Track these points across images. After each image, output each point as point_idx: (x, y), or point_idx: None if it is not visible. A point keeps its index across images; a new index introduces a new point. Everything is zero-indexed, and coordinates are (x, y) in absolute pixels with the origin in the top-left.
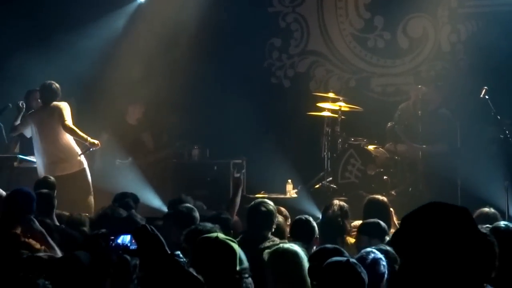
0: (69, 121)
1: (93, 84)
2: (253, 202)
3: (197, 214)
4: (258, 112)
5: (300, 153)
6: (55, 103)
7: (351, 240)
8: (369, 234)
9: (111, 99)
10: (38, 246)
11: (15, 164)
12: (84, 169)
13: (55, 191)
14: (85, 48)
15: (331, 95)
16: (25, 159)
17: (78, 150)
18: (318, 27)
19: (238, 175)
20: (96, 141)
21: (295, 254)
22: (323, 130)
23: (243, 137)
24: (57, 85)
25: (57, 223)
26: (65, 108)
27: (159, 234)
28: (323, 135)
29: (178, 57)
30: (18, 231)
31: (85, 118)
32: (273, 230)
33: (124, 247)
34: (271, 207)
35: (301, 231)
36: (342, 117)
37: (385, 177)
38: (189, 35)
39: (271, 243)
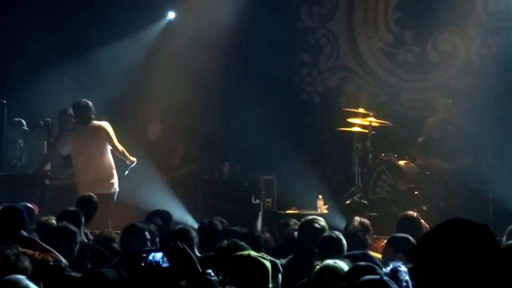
0: (115, 139)
1: (123, 100)
2: (304, 219)
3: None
4: (289, 127)
5: (330, 169)
6: (97, 122)
7: (374, 255)
8: (396, 247)
9: (142, 115)
10: (31, 251)
11: (47, 182)
12: (115, 193)
13: (96, 210)
14: (115, 64)
15: (361, 110)
16: (57, 176)
17: (115, 171)
18: (347, 42)
19: (257, 202)
20: (134, 158)
21: (333, 270)
22: (354, 145)
23: (273, 153)
24: (90, 102)
25: (86, 240)
26: (111, 128)
27: (191, 252)
28: (354, 151)
29: (207, 74)
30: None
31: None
32: None
33: (156, 264)
34: (323, 223)
35: (331, 248)
36: (373, 132)
37: (416, 192)
38: (218, 52)
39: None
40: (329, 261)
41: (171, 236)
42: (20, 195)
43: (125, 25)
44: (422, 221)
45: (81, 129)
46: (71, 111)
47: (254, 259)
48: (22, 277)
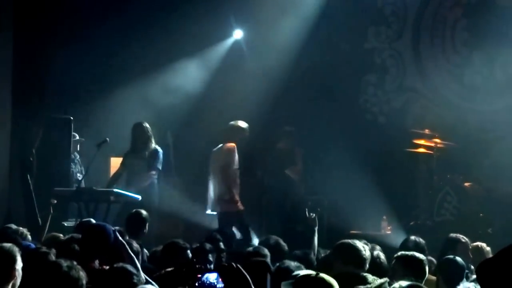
0: (227, 164)
1: (188, 119)
2: (340, 242)
3: None
4: (353, 147)
5: (395, 190)
6: (226, 144)
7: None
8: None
9: (208, 133)
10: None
11: (112, 198)
12: (233, 212)
13: (147, 225)
14: (181, 82)
15: (427, 131)
16: (122, 193)
17: (236, 192)
18: (414, 63)
19: (312, 215)
20: (240, 206)
21: None
22: (419, 166)
23: (337, 173)
24: (239, 125)
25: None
26: (229, 152)
27: (245, 272)
28: (419, 172)
29: (273, 94)
30: (96, 264)
31: (181, 151)
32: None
33: (210, 284)
34: (365, 246)
35: (450, 272)
36: (438, 153)
37: (481, 214)
38: (284, 72)
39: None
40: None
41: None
42: (85, 210)
43: (191, 43)
44: (479, 244)
45: (217, 150)
46: (146, 125)
47: (322, 280)
48: None
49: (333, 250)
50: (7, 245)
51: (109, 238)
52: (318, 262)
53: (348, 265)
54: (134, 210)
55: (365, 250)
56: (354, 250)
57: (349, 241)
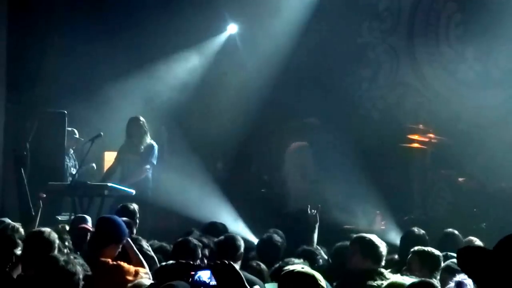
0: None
1: (183, 113)
2: (359, 235)
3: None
4: (347, 143)
5: (389, 185)
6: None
7: None
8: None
9: (202, 128)
10: (130, 268)
11: (106, 192)
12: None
13: (137, 218)
14: (176, 77)
15: (421, 126)
16: (116, 187)
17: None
18: (408, 58)
19: (313, 212)
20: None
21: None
22: (413, 161)
23: (331, 168)
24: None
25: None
26: (292, 150)
27: (238, 270)
28: (413, 167)
29: (266, 90)
30: (105, 257)
31: (175, 146)
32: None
33: (203, 283)
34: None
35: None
36: (432, 149)
37: (475, 209)
38: (277, 67)
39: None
40: (397, 278)
41: (217, 247)
42: (80, 205)
43: (187, 38)
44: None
45: None
46: (142, 119)
47: (304, 273)
48: None
49: (352, 244)
50: (47, 231)
51: (124, 230)
52: (334, 254)
53: (367, 260)
54: (120, 204)
55: (382, 247)
56: (374, 246)
57: (369, 236)
